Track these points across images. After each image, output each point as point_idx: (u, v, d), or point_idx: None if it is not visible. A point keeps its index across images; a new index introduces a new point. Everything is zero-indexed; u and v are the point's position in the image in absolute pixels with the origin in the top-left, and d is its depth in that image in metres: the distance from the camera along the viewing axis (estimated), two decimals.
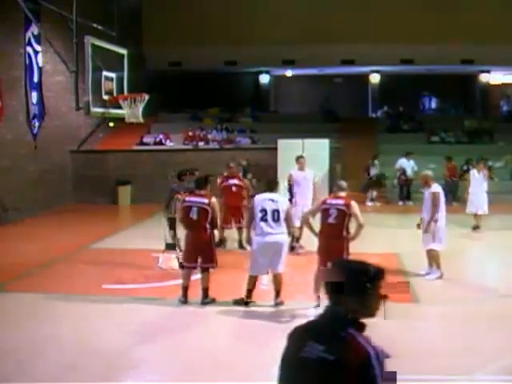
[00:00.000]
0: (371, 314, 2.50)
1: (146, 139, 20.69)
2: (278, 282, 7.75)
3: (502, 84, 27.26)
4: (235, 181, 11.64)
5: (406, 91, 26.88)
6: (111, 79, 11.75)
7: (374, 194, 18.12)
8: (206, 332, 7.09)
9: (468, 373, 5.66)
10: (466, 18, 21.71)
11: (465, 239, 12.45)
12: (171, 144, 20.33)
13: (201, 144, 20.22)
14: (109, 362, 6.02)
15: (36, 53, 14.12)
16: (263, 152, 18.87)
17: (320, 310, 2.58)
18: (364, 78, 26.87)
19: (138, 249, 11.18)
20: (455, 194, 16.58)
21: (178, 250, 9.68)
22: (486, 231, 12.99)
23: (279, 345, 2.67)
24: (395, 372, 2.39)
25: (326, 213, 7.67)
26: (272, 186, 7.92)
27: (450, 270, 9.31)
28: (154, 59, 23.10)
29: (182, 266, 8.76)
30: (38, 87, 14.55)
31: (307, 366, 2.42)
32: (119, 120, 13.81)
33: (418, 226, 9.34)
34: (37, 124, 14.71)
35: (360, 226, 7.60)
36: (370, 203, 17.47)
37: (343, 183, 8.03)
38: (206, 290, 7.89)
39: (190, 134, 20.56)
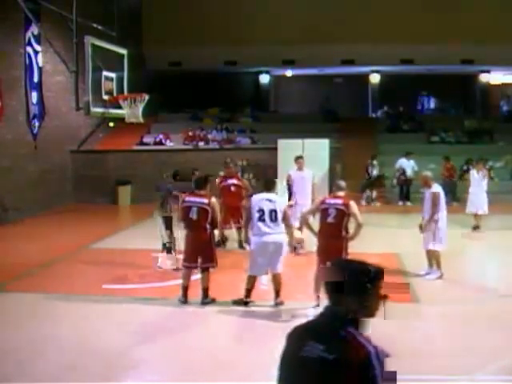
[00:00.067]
0: (371, 314, 2.49)
1: (146, 139, 20.69)
2: (277, 281, 7.75)
3: (502, 84, 27.26)
4: (234, 181, 11.64)
5: (406, 91, 26.87)
6: (111, 79, 11.75)
7: (374, 194, 18.12)
8: (205, 332, 7.09)
9: (468, 373, 5.66)
10: (466, 18, 21.71)
11: (465, 239, 12.45)
12: (171, 144, 20.34)
13: (201, 144, 20.23)
14: (109, 362, 6.02)
15: (36, 53, 14.13)
16: (263, 152, 18.87)
17: (320, 310, 2.57)
18: (364, 78, 26.86)
19: (138, 249, 11.18)
20: (454, 193, 16.59)
21: (174, 254, 9.70)
22: (486, 231, 12.98)
23: (279, 345, 2.66)
24: (395, 371, 2.39)
25: (324, 212, 7.67)
26: (269, 186, 7.92)
27: (450, 270, 9.31)
28: (154, 59, 23.11)
29: (177, 268, 8.85)
30: (38, 87, 14.56)
31: (307, 366, 2.42)
32: (119, 120, 13.81)
33: (421, 226, 9.33)
34: (37, 124, 14.71)
35: (359, 226, 7.60)
36: (364, 202, 17.37)
37: (342, 183, 8.04)
38: (205, 290, 7.89)
39: (190, 133, 20.56)
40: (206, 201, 7.90)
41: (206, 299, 7.88)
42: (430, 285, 8.90)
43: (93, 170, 18.68)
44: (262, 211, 7.59)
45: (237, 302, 7.79)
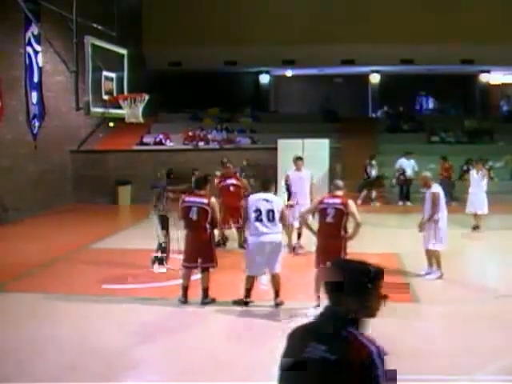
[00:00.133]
0: (372, 314, 2.49)
1: (146, 139, 20.70)
2: (276, 281, 7.74)
3: (502, 84, 27.27)
4: (233, 180, 11.64)
5: (406, 91, 26.88)
6: (111, 79, 11.75)
7: (374, 194, 18.11)
8: (206, 332, 7.09)
9: (468, 373, 5.66)
10: (466, 18, 21.71)
11: (465, 239, 12.45)
12: (171, 144, 20.34)
13: (201, 144, 20.23)
14: (109, 362, 6.02)
15: (36, 53, 14.11)
16: (263, 152, 18.87)
17: (320, 310, 2.57)
18: (364, 78, 26.86)
19: (138, 249, 11.17)
20: (452, 193, 16.59)
21: (166, 255, 9.69)
22: (485, 231, 12.98)
23: (279, 345, 2.67)
24: (395, 370, 2.39)
25: (323, 212, 7.68)
26: (267, 186, 7.92)
27: (450, 270, 9.31)
28: (154, 59, 23.11)
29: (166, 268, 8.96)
30: (38, 87, 14.55)
31: (309, 367, 2.42)
32: (119, 120, 13.81)
33: (420, 225, 9.33)
34: (37, 124, 14.70)
35: (357, 225, 7.60)
36: (359, 201, 17.27)
37: (340, 182, 8.04)
38: (205, 290, 7.89)
39: (190, 133, 20.56)
40: (205, 201, 7.90)
41: (206, 299, 7.88)
42: (429, 285, 8.91)
43: (93, 170, 18.69)
44: (259, 211, 7.59)
45: (237, 302, 7.79)
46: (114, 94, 11.70)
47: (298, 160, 11.56)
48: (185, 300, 7.89)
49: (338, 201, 7.68)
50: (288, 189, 11.44)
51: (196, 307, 7.79)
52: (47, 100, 15.16)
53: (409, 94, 27.46)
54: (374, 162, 18.40)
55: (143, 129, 20.35)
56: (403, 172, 17.94)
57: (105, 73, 11.41)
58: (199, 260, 7.88)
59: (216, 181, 11.56)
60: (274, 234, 7.64)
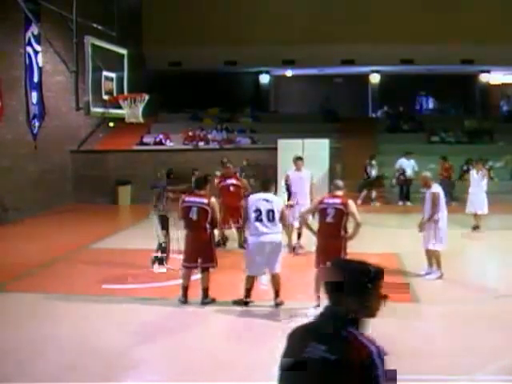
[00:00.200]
0: (372, 314, 2.49)
1: (146, 139, 20.70)
2: (276, 281, 7.74)
3: (502, 84, 27.27)
4: (233, 180, 11.64)
5: (406, 91, 26.88)
6: (111, 79, 11.75)
7: (374, 194, 18.11)
8: (206, 332, 7.10)
9: (468, 373, 5.66)
10: (466, 18, 21.72)
11: (465, 239, 12.45)
12: (171, 144, 20.34)
13: (201, 144, 20.23)
14: (109, 362, 6.02)
15: (36, 53, 14.11)
16: (263, 152, 18.87)
17: (320, 310, 2.57)
18: (364, 78, 26.87)
19: (138, 249, 11.17)
20: (452, 193, 16.59)
21: (165, 256, 9.69)
22: (485, 231, 12.99)
23: (279, 345, 2.67)
24: (395, 370, 2.39)
25: (323, 212, 7.68)
26: (267, 186, 7.92)
27: (450, 270, 9.31)
28: (154, 59, 23.11)
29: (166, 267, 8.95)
30: (38, 87, 14.55)
31: (309, 367, 2.42)
32: (119, 120, 13.81)
33: (420, 225, 9.33)
34: (37, 124, 14.70)
35: (357, 225, 7.60)
36: (359, 201, 17.26)
37: (340, 182, 8.04)
38: (205, 290, 7.89)
39: (190, 133, 20.56)
40: (205, 201, 7.90)
41: (206, 299, 7.88)
42: (429, 285, 8.91)
43: (93, 170, 18.69)
44: (259, 211, 7.59)
45: (237, 302, 7.79)
46: (114, 94, 11.70)
47: (297, 160, 11.55)
48: (185, 300, 7.89)
49: (338, 201, 7.68)
50: (288, 189, 11.44)
51: (196, 307, 7.79)
52: (47, 100, 15.16)
53: (409, 94, 27.45)
54: (374, 162, 18.39)
55: (143, 129, 20.35)
56: (403, 172, 17.94)
57: (105, 73, 11.41)
58: (199, 260, 7.88)
59: (216, 181, 11.56)
60: (274, 234, 7.64)
